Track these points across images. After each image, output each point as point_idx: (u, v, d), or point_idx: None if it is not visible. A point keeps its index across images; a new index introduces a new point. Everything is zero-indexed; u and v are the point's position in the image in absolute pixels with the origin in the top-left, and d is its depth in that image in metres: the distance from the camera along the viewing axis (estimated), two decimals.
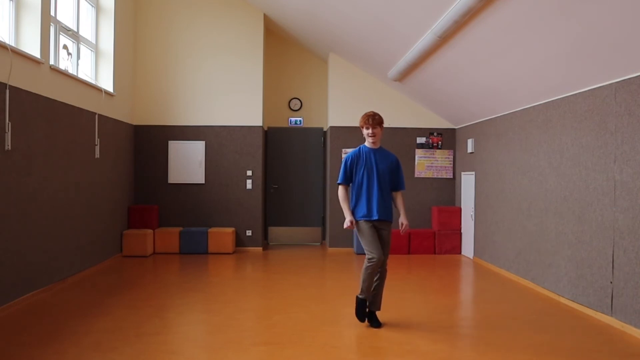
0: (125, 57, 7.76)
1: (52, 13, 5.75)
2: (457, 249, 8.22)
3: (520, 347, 3.84)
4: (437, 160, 8.57)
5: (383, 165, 4.35)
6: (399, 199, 4.50)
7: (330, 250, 8.44)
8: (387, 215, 4.33)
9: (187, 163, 8.27)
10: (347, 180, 4.40)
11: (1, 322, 4.30)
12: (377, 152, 4.41)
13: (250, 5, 8.33)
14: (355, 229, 4.33)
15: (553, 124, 5.49)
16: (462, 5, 4.44)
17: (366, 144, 4.44)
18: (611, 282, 4.48)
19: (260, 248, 8.41)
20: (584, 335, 4.17)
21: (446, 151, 8.58)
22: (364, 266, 4.24)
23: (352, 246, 8.38)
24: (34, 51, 5.23)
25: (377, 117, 4.37)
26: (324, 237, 9.26)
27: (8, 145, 4.67)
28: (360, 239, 4.32)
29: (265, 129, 9.05)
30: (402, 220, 4.43)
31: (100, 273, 6.40)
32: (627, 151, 4.30)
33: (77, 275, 6.09)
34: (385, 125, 8.61)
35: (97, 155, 6.65)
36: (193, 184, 8.29)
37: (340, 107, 8.50)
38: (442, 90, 7.23)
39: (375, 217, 4.28)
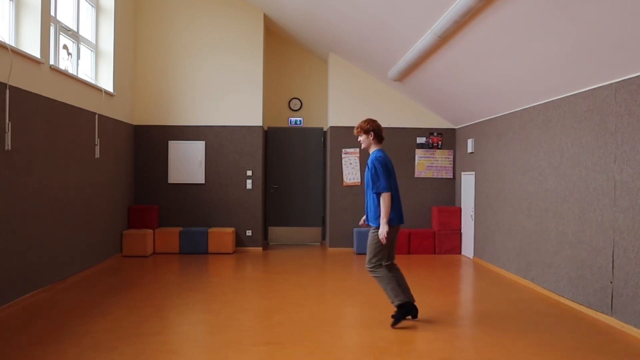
0: (125, 57, 7.76)
1: (52, 13, 5.75)
2: (457, 249, 8.22)
3: (520, 347, 3.84)
4: (437, 160, 8.57)
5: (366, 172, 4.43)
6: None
7: (330, 250, 8.44)
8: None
9: (187, 163, 8.27)
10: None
11: (1, 322, 4.30)
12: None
13: (250, 5, 8.33)
14: (379, 235, 4.24)
15: (553, 124, 5.49)
16: (462, 5, 4.44)
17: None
18: (611, 282, 4.48)
19: (260, 248, 8.41)
20: (584, 335, 4.17)
21: (446, 151, 8.58)
22: (384, 274, 4.29)
23: (352, 246, 8.38)
24: (34, 51, 5.23)
25: (360, 124, 4.48)
26: (324, 237, 9.26)
27: (8, 145, 4.67)
28: (381, 244, 4.28)
29: (265, 129, 9.05)
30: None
31: (100, 273, 6.40)
32: (627, 151, 4.30)
33: (77, 275, 6.09)
34: (385, 125, 8.72)
35: (97, 155, 6.65)
36: (193, 184, 8.29)
37: (340, 107, 8.50)
38: (442, 90, 7.23)
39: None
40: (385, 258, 4.34)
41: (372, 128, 4.41)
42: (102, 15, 7.20)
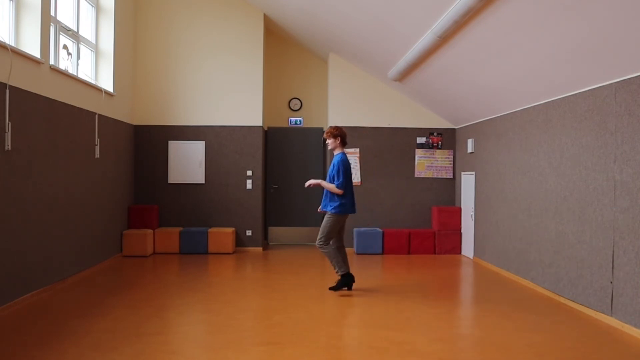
0: (125, 57, 7.76)
1: (52, 13, 5.75)
2: (457, 249, 8.22)
3: (520, 347, 3.84)
4: (437, 160, 8.57)
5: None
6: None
7: None
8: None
9: (187, 163, 8.27)
10: None
11: (1, 322, 4.30)
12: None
13: (250, 5, 8.33)
14: (331, 217, 5.34)
15: (553, 124, 5.49)
16: (462, 5, 4.44)
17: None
18: (611, 282, 4.48)
19: (260, 248, 8.41)
20: (584, 335, 4.17)
21: (446, 151, 8.58)
22: (330, 250, 5.35)
23: (352, 246, 8.38)
24: (34, 51, 5.23)
25: (329, 130, 5.50)
26: None
27: (8, 145, 4.67)
28: (331, 227, 5.31)
29: (265, 129, 9.05)
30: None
31: (100, 273, 6.40)
32: (627, 151, 4.30)
33: (77, 275, 6.09)
34: (385, 125, 8.90)
35: (97, 155, 6.65)
36: (193, 184, 8.29)
37: (340, 107, 8.50)
38: (442, 90, 7.23)
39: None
40: (334, 239, 5.42)
41: (339, 134, 5.49)
42: (102, 15, 7.20)
